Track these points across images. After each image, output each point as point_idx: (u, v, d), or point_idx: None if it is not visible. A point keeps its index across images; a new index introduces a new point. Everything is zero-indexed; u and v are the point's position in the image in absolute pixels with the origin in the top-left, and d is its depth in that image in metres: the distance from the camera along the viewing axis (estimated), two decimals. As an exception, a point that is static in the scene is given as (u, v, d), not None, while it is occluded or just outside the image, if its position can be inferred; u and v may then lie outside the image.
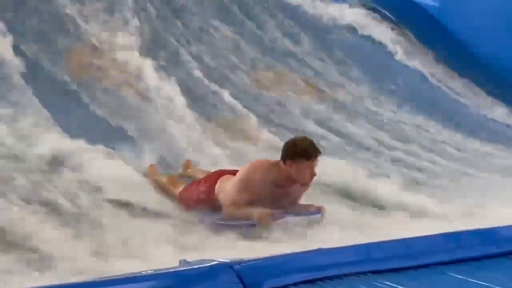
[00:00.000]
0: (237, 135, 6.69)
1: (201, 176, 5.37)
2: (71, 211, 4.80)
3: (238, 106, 7.07)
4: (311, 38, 9.13)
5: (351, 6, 10.06)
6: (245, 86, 7.71)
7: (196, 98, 6.98)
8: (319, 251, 2.92)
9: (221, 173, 5.17)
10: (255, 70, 8.08)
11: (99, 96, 6.54)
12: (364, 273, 2.85)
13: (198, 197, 5.11)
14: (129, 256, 4.17)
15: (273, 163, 4.92)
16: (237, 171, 5.03)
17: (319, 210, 4.96)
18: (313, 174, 4.88)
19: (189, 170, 5.72)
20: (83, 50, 7.16)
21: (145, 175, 5.57)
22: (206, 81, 7.31)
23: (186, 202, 5.17)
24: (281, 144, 5.17)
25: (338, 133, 7.23)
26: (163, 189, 5.42)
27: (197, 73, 7.38)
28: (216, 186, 5.02)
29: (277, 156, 4.94)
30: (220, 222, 4.87)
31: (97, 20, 7.41)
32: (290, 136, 5.63)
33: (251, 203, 4.86)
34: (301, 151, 4.84)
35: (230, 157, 6.04)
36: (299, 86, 8.13)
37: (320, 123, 7.37)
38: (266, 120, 7.08)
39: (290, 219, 4.86)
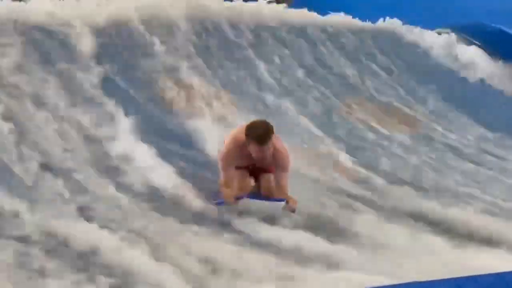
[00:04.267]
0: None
1: None
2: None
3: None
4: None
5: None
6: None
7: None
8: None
9: None
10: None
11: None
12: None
13: None
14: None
15: (244, 140, 5.22)
16: None
17: (283, 199, 5.28)
18: (263, 157, 5.19)
19: None
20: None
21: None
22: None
23: None
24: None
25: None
26: None
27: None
28: None
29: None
30: (217, 201, 5.32)
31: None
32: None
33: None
34: (251, 134, 5.15)
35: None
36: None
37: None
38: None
39: (252, 201, 5.29)
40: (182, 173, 5.72)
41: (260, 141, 5.12)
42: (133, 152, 5.78)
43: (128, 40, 7.35)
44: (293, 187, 5.42)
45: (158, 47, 7.51)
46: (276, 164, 5.35)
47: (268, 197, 5.40)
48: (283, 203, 5.28)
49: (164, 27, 7.89)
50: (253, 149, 5.19)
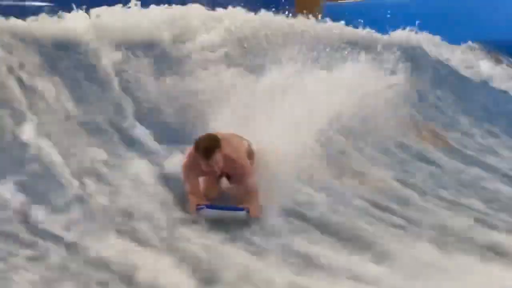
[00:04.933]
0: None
1: None
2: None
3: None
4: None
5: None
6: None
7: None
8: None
9: None
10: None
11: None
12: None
13: None
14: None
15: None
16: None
17: (243, 208, 5.37)
18: (213, 172, 5.37)
19: None
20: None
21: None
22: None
23: None
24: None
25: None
26: None
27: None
28: None
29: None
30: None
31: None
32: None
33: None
34: (198, 149, 5.31)
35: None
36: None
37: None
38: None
39: (213, 211, 5.35)
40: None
41: (205, 156, 5.26)
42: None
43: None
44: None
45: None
46: (234, 172, 5.49)
47: (229, 207, 5.48)
48: (244, 212, 5.37)
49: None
50: (202, 163, 5.33)
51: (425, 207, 6.49)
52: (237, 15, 9.02)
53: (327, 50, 8.13)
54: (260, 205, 5.45)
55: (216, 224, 5.23)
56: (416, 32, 11.34)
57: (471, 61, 11.52)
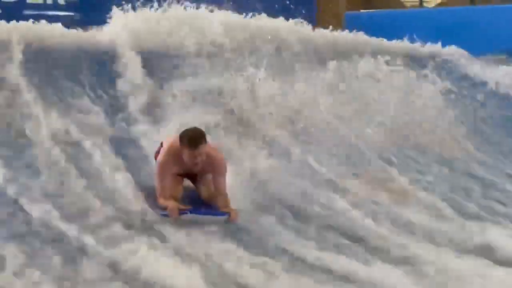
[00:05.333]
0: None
1: None
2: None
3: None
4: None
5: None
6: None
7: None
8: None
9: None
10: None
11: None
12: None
13: None
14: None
15: (178, 147, 5.41)
16: None
17: (225, 213, 5.42)
18: (196, 164, 5.40)
19: None
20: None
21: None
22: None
23: None
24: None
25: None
26: None
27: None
28: None
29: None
30: (161, 213, 5.41)
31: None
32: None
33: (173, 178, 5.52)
34: (184, 139, 5.36)
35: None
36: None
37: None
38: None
39: (192, 216, 5.39)
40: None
41: (191, 146, 5.31)
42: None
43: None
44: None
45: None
46: (213, 169, 5.53)
47: (210, 211, 5.53)
48: (225, 216, 5.44)
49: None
50: (185, 154, 5.37)
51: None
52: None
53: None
54: (236, 210, 5.50)
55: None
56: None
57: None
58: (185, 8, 8.19)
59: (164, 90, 7.18)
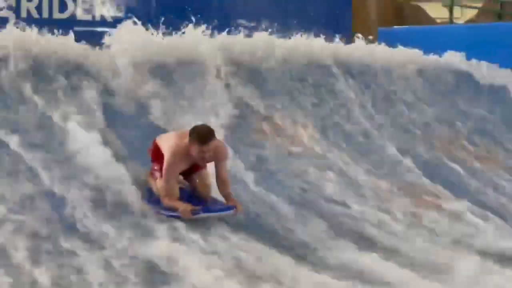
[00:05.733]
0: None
1: None
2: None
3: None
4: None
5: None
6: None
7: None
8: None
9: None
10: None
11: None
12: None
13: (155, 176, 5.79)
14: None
15: (186, 145, 5.51)
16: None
17: (233, 206, 5.59)
18: (204, 158, 5.51)
19: None
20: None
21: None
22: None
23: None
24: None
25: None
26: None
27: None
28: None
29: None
30: (161, 212, 5.53)
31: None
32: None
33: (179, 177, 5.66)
34: (194, 136, 5.47)
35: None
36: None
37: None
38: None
39: (205, 215, 5.54)
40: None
41: (202, 142, 5.41)
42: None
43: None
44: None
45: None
46: (215, 156, 5.61)
47: (222, 207, 5.66)
48: (232, 211, 5.58)
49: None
50: (195, 149, 5.45)
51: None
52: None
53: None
54: (239, 201, 5.69)
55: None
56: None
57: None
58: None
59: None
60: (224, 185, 5.69)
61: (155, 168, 5.77)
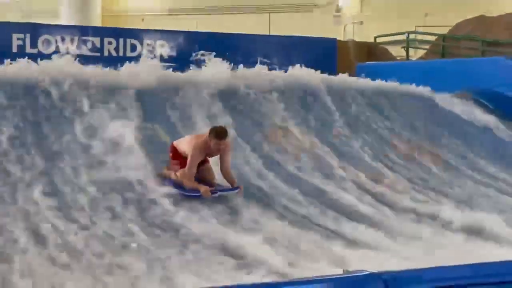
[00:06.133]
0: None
1: None
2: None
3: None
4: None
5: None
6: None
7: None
8: (461, 266, 3.01)
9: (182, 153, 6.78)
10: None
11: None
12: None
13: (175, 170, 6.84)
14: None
15: (205, 139, 6.50)
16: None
17: (238, 187, 6.64)
18: (219, 150, 6.51)
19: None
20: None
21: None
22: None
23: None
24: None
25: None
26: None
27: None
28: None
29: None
30: (184, 193, 6.44)
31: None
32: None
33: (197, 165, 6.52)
34: (213, 133, 6.50)
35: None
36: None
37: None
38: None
39: (220, 193, 6.54)
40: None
41: (220, 137, 6.39)
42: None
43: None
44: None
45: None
46: (223, 151, 6.57)
47: (230, 188, 6.61)
48: (238, 190, 6.58)
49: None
50: (213, 143, 6.40)
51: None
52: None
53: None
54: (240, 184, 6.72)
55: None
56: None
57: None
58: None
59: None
60: (228, 171, 6.69)
61: (175, 163, 6.83)
